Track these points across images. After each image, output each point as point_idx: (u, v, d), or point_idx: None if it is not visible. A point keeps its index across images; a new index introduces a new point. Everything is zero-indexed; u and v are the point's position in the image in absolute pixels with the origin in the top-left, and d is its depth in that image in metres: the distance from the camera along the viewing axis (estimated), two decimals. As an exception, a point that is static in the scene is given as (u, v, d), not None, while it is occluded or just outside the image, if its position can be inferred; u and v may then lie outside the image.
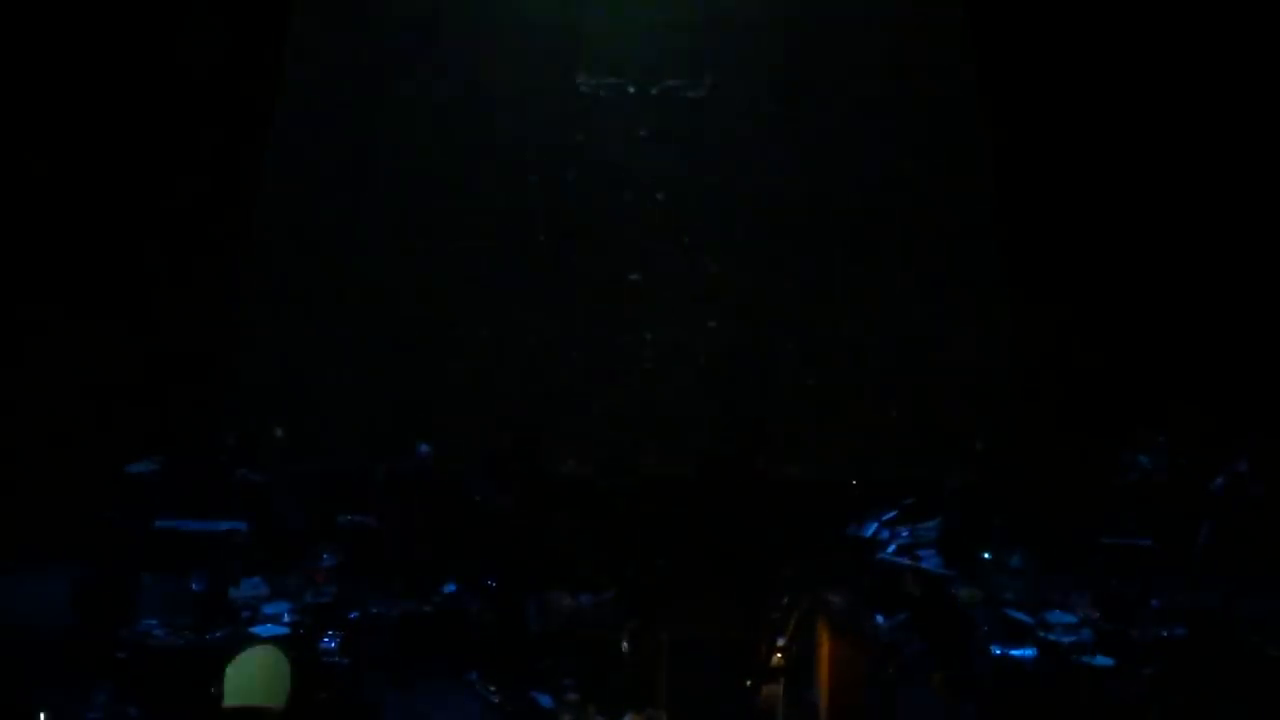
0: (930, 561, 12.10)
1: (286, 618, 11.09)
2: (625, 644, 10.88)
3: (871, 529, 12.72)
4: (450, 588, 12.47)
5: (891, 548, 12.46)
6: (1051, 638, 10.91)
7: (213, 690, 9.76)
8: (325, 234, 15.51)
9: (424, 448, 13.43)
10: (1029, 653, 10.76)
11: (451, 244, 15.55)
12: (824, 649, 10.40)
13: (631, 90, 15.46)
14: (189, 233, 14.62)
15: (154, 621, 11.07)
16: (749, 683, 10.46)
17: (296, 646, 10.41)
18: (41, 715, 9.57)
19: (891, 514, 12.79)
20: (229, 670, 9.91)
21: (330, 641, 10.93)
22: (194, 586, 11.52)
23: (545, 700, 10.70)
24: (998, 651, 10.77)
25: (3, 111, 13.91)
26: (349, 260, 15.52)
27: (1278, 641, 11.83)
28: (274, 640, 10.42)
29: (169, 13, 14.22)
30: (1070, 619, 11.20)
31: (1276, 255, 14.44)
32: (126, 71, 14.22)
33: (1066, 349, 14.91)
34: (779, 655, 10.45)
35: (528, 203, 15.56)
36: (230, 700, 9.89)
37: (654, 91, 15.44)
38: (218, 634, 10.76)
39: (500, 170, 15.53)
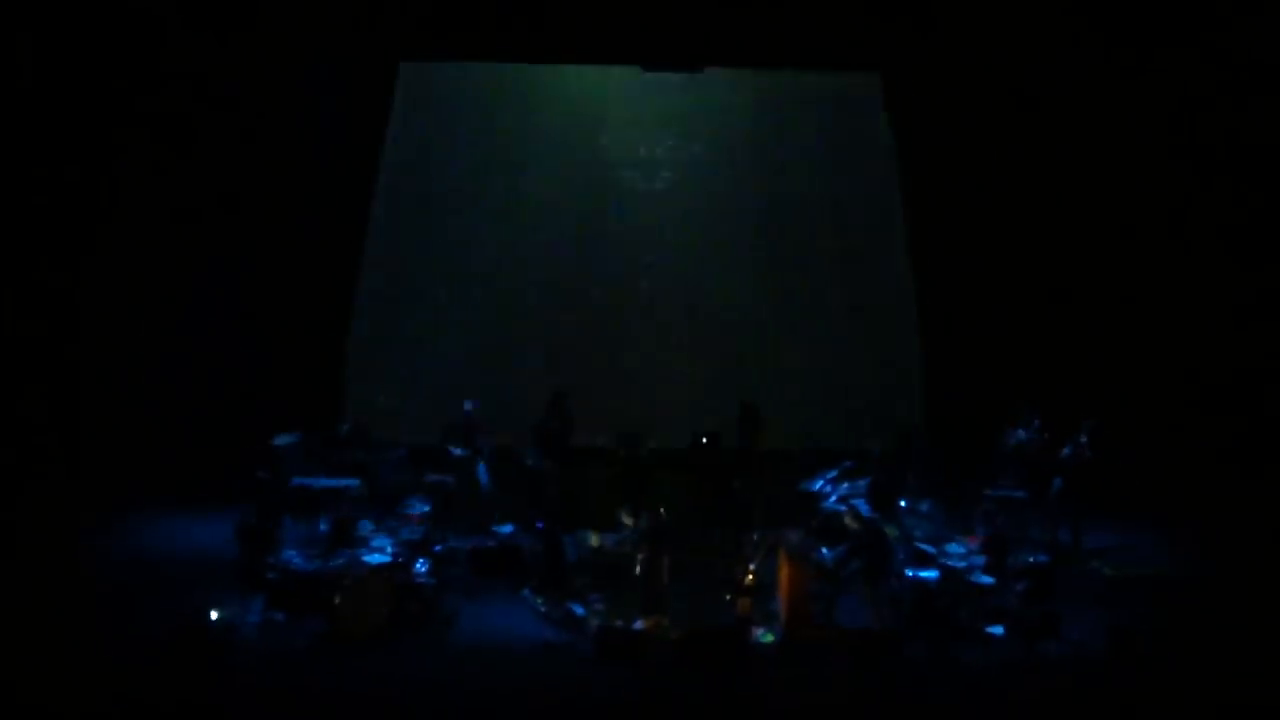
0: (862, 508, 13.08)
1: (389, 549, 12.34)
2: (638, 568, 12.04)
3: (819, 484, 13.99)
4: (508, 528, 14.07)
5: (833, 498, 13.62)
6: (950, 563, 12.20)
7: (335, 601, 11.27)
8: (417, 277, 17.35)
9: (469, 405, 14.59)
10: (933, 574, 12.07)
11: (512, 281, 17.34)
12: (783, 571, 11.85)
13: (642, 152, 17.09)
14: (318, 267, 16.29)
15: (293, 552, 12.44)
16: (729, 596, 11.80)
17: (396, 571, 11.99)
18: (213, 613, 11.12)
19: (833, 473, 14.08)
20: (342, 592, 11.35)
21: (421, 567, 12.29)
22: (321, 527, 13.14)
23: (579, 610, 12.05)
24: (910, 574, 12.08)
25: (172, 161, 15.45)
26: (438, 290, 17.35)
27: (1110, 564, 13.70)
28: (379, 567, 11.94)
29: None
30: (963, 549, 12.60)
31: (1118, 291, 16.01)
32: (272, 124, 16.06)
33: (965, 354, 16.48)
34: (751, 576, 11.73)
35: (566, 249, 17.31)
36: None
37: (659, 152, 16.96)
38: (339, 561, 12.07)
39: (546, 219, 17.30)
